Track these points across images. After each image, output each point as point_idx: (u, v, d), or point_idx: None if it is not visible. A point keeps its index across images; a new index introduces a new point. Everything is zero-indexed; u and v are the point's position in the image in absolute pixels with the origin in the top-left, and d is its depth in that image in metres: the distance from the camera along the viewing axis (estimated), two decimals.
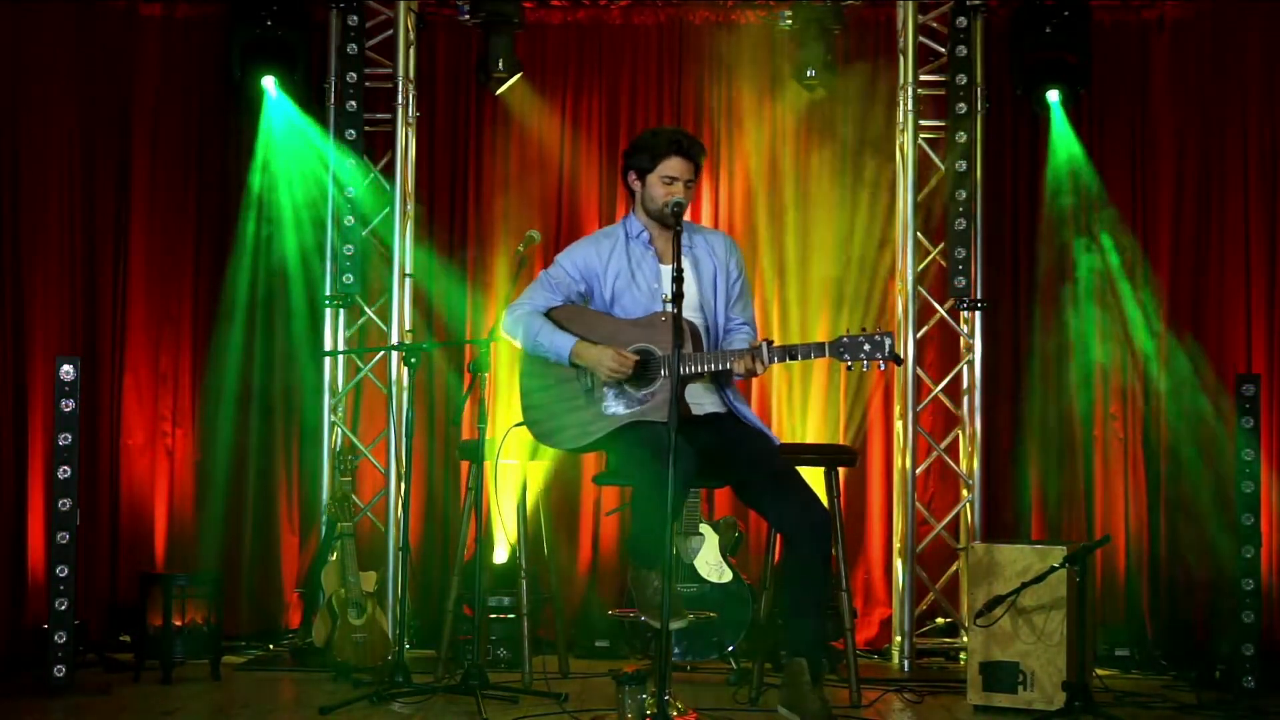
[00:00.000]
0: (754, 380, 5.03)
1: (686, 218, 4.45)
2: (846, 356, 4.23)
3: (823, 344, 4.26)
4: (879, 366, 4.25)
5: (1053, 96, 6.34)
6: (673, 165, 4.46)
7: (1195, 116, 6.55)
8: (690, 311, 4.44)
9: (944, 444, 6.57)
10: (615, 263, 4.54)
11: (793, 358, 4.30)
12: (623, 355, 4.36)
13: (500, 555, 6.28)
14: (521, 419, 4.59)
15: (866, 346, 4.22)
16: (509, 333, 4.60)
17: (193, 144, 6.65)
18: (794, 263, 6.71)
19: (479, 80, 6.65)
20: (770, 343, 4.26)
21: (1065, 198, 6.48)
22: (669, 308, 4.20)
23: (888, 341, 4.21)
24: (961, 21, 6.42)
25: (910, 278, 6.42)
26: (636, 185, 4.55)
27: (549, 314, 4.56)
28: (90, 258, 6.41)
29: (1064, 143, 6.45)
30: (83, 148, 6.36)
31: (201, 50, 6.59)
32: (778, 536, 5.15)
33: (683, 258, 4.39)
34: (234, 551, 6.52)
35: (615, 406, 4.40)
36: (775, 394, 6.67)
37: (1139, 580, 6.44)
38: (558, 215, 6.77)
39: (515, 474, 5.74)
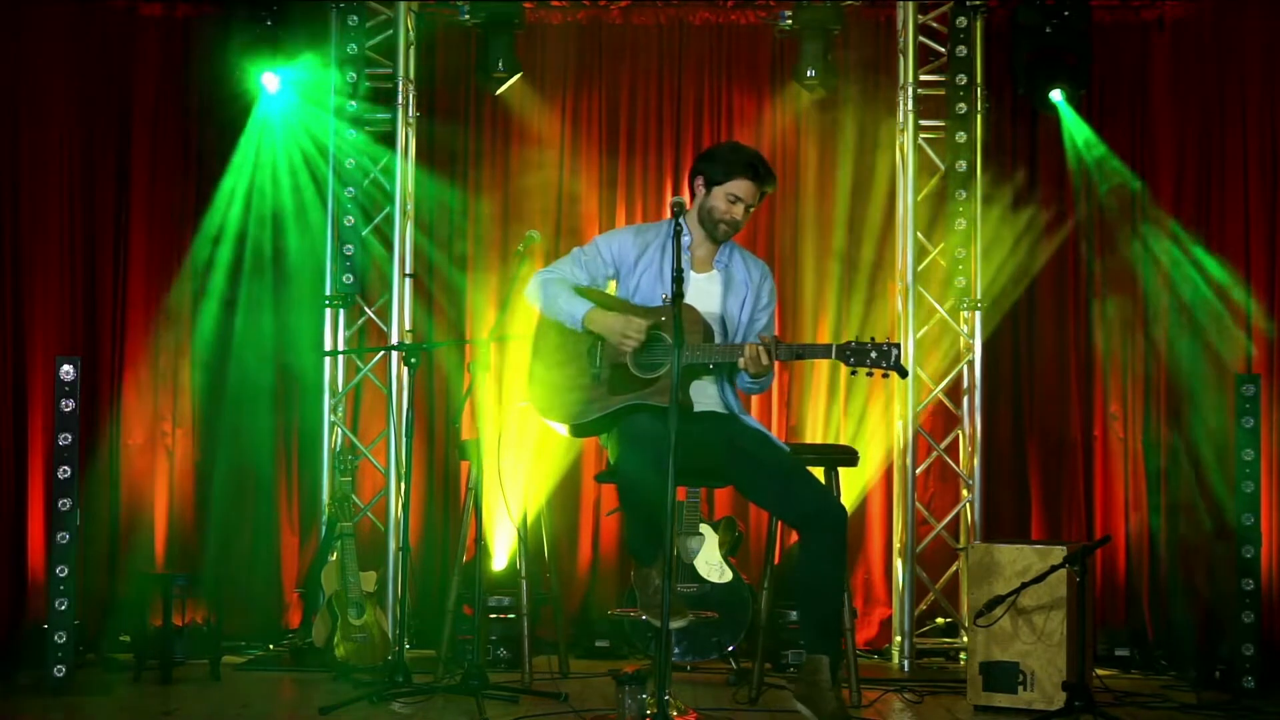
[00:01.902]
0: None
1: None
2: (852, 361, 4.22)
3: (830, 346, 4.26)
4: (882, 376, 4.25)
5: (1056, 95, 6.34)
6: (742, 186, 4.47)
7: (1195, 116, 6.55)
8: (710, 318, 4.46)
9: (944, 444, 6.57)
10: (649, 256, 4.55)
11: (800, 357, 4.33)
12: (637, 322, 4.34)
13: (500, 563, 6.27)
14: (526, 397, 4.61)
15: (873, 354, 4.21)
16: (531, 295, 4.60)
17: (192, 144, 6.65)
18: (793, 262, 6.71)
19: (479, 80, 6.65)
20: (779, 340, 4.27)
21: (1100, 185, 6.50)
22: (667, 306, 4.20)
23: (895, 352, 4.20)
24: (961, 21, 6.43)
25: (910, 278, 6.42)
26: (701, 191, 4.55)
27: None
28: (90, 258, 6.41)
29: (1080, 137, 6.45)
30: (83, 148, 6.37)
31: (201, 50, 6.59)
32: (778, 537, 5.17)
33: (716, 270, 4.56)
34: (234, 551, 6.52)
35: (619, 388, 4.40)
36: (775, 393, 6.67)
37: (1139, 580, 6.44)
38: (558, 215, 6.77)
39: (515, 474, 5.74)
